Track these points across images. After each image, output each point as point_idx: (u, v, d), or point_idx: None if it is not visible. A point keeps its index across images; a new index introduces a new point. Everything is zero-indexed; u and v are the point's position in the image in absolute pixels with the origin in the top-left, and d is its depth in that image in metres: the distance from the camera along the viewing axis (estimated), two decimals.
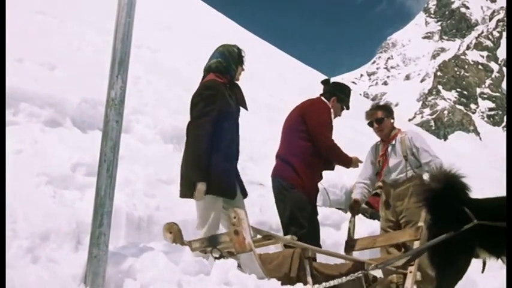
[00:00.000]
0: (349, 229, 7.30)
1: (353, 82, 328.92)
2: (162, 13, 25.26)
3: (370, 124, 7.38)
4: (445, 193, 5.48)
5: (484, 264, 5.51)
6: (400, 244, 7.00)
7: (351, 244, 7.04)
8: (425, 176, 6.65)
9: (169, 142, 9.21)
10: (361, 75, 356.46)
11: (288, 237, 5.54)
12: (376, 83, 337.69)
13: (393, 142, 7.24)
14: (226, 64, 5.97)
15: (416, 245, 6.44)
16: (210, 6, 37.59)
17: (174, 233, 5.17)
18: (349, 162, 6.87)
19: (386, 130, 7.31)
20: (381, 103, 7.70)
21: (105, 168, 3.01)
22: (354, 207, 7.35)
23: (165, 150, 8.86)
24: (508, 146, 6.45)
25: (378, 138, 7.50)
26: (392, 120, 7.37)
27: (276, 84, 23.78)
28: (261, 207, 8.09)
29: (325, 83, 7.18)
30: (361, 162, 6.99)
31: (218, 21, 33.24)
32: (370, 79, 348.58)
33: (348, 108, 7.14)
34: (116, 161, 3.03)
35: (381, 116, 7.31)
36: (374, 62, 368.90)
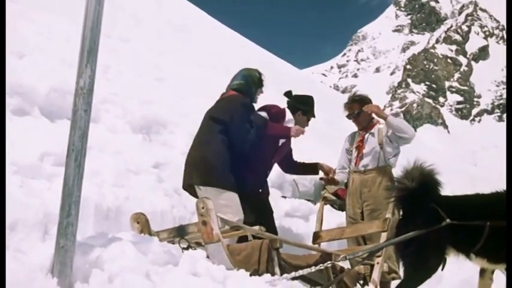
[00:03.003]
0: (318, 220, 7.33)
1: (323, 74, 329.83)
2: (133, 2, 25.08)
3: (348, 117, 7.43)
4: (419, 192, 5.49)
5: (445, 261, 5.56)
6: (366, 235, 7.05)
7: (319, 235, 7.08)
8: (396, 170, 6.69)
9: (139, 132, 9.16)
10: (332, 67, 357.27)
11: (256, 227, 5.55)
12: (346, 76, 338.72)
13: (372, 130, 7.35)
14: (247, 87, 6.77)
15: (383, 236, 6.49)
16: None
17: (142, 223, 5.16)
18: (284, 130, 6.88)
19: (365, 122, 7.40)
20: (357, 94, 7.68)
21: (73, 158, 2.99)
22: (328, 198, 7.44)
23: (135, 140, 8.81)
24: (508, 146, 6.50)
25: (353, 130, 7.55)
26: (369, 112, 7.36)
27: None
28: None
29: (287, 95, 7.28)
30: (302, 133, 6.82)
31: (189, 12, 33.08)
32: (340, 71, 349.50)
33: (313, 116, 7.23)
34: (84, 150, 3.01)
35: (357, 110, 7.36)
36: (344, 54, 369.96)
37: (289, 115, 6.98)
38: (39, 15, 14.59)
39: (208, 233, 4.69)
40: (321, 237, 7.05)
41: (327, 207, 7.66)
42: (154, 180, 7.56)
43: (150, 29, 22.14)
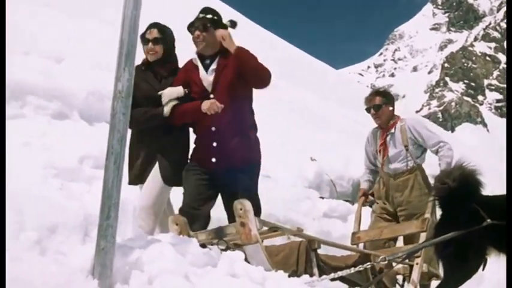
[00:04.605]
0: (356, 220, 7.28)
1: (360, 74, 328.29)
2: (169, 5, 25.24)
3: (368, 110, 7.18)
4: (460, 192, 5.41)
5: (485, 262, 5.48)
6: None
7: (357, 236, 7.02)
8: (436, 168, 6.59)
9: None
10: (368, 67, 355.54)
11: (295, 228, 5.54)
12: (383, 75, 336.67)
13: (392, 130, 7.04)
14: None
15: (422, 236, 6.42)
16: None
17: (180, 225, 5.18)
18: None
19: (384, 117, 7.07)
20: (381, 89, 7.53)
21: (112, 161, 3.02)
22: (361, 198, 7.32)
23: None
24: (508, 146, 6.38)
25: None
26: (391, 108, 7.14)
27: (281, 76, 23.72)
28: (267, 199, 8.09)
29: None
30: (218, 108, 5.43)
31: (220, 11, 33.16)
32: (377, 71, 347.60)
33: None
34: (123, 153, 3.04)
35: (378, 102, 7.10)
36: (381, 53, 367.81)
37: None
38: (74, 20, 14.78)
39: (247, 234, 4.70)
40: (360, 238, 6.98)
41: (365, 207, 7.58)
42: None
43: (186, 32, 22.25)
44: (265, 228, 5.23)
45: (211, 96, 5.36)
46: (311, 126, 15.41)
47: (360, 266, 5.19)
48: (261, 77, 5.46)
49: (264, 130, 12.20)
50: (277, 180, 7.93)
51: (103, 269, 3.15)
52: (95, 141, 6.67)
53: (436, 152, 6.88)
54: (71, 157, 6.47)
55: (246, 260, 4.54)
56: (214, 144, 5.40)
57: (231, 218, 5.12)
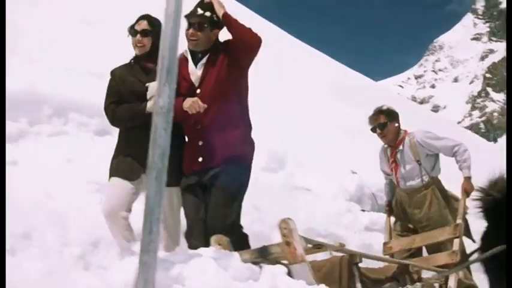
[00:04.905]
0: (386, 231, 7.21)
1: (400, 86, 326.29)
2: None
3: (373, 130, 7.01)
4: (505, 203, 5.32)
5: None
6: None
7: (389, 246, 6.95)
8: (480, 183, 6.48)
9: None
10: (408, 78, 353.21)
11: (337, 244, 5.51)
12: (424, 86, 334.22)
13: (401, 147, 6.90)
14: None
15: (455, 242, 6.33)
16: (256, 13, 37.73)
17: (223, 245, 5.17)
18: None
19: (391, 135, 6.90)
20: (384, 107, 7.35)
21: (154, 176, 3.03)
22: (387, 209, 7.25)
23: None
24: (508, 146, 6.21)
25: None
26: (396, 124, 6.98)
27: (321, 90, 23.74)
28: (308, 213, 8.07)
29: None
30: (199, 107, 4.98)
31: (261, 25, 33.27)
32: (417, 82, 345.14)
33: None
34: (164, 168, 3.06)
35: (383, 120, 6.93)
36: (421, 64, 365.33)
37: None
38: (118, 35, 14.97)
39: (292, 253, 4.66)
40: (391, 248, 6.91)
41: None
42: None
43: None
44: (309, 245, 5.21)
45: (198, 91, 5.02)
46: (351, 139, 15.36)
47: (401, 278, 5.15)
48: (248, 40, 4.96)
49: (304, 143, 12.19)
50: (318, 193, 7.91)
51: (145, 284, 3.16)
52: None
53: (454, 157, 6.79)
54: None
55: (288, 274, 4.53)
56: (200, 142, 5.03)
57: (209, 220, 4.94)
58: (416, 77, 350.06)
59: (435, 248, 6.78)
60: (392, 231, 7.17)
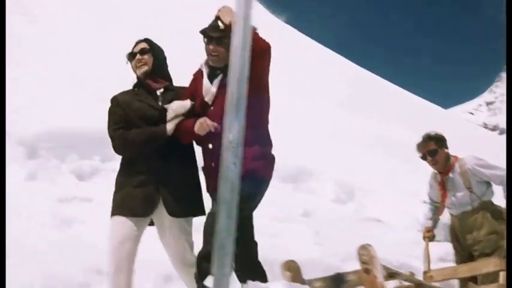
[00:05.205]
0: (425, 259, 6.99)
1: (470, 113, 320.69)
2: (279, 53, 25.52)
3: (423, 157, 6.79)
4: None
5: None
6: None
7: (429, 275, 6.74)
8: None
9: (286, 181, 9.26)
10: (480, 105, 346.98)
11: (408, 273, 5.42)
12: (495, 113, 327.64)
13: (451, 174, 6.66)
14: None
15: (502, 276, 6.12)
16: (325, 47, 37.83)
17: (294, 271, 5.12)
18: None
19: (442, 162, 6.65)
20: (432, 133, 7.13)
21: (225, 211, 3.05)
22: (427, 236, 7.04)
23: (282, 189, 8.91)
24: (508, 147, 5.95)
25: None
26: (446, 150, 6.75)
27: (389, 118, 23.51)
28: (381, 243, 7.95)
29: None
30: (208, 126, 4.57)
31: (298, 40, 33.32)
32: (488, 109, 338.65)
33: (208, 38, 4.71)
34: (234, 203, 3.07)
35: (433, 147, 6.68)
36: (491, 90, 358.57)
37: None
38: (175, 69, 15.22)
39: (372, 281, 4.55)
40: (432, 277, 6.69)
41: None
42: (304, 228, 7.58)
43: (294, 78, 22.45)
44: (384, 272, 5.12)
45: (211, 109, 4.58)
46: (422, 169, 15.12)
47: None
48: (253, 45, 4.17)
49: (371, 173, 12.07)
50: (390, 224, 7.80)
51: None
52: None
53: (502, 186, 6.58)
54: None
55: None
56: (213, 164, 4.51)
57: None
58: (488, 104, 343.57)
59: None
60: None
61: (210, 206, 4.51)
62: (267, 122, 4.81)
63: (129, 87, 4.84)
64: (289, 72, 23.58)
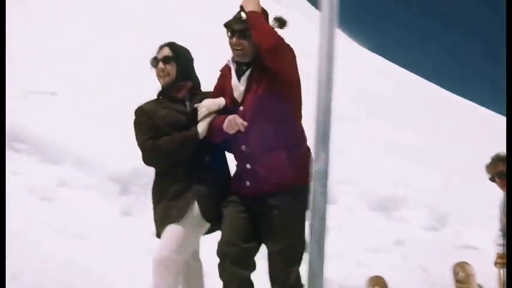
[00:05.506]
0: (499, 285, 6.69)
1: None
2: (365, 81, 25.45)
3: (492, 179, 6.54)
4: None
5: None
6: None
7: None
8: None
9: (377, 210, 9.17)
10: None
11: None
12: None
13: None
14: None
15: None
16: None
17: (380, 286, 5.04)
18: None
19: None
20: (501, 154, 6.79)
21: (315, 239, 3.06)
22: (499, 262, 6.72)
23: (373, 218, 8.84)
24: (508, 147, 5.59)
25: None
26: None
27: (472, 139, 22.92)
28: (476, 271, 7.77)
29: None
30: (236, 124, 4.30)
31: (417, 85, 32.93)
32: None
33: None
34: (323, 231, 3.08)
35: (502, 168, 6.40)
36: None
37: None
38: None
39: None
40: None
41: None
42: (397, 257, 7.48)
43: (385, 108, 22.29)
44: None
45: (241, 108, 4.30)
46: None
47: None
48: (265, 41, 4.14)
49: (462, 198, 11.79)
50: (483, 251, 7.58)
51: None
52: None
53: None
54: None
55: None
56: (248, 166, 4.31)
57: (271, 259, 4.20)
58: None
59: None
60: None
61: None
62: (299, 118, 4.43)
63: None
64: (375, 98, 23.46)
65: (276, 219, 4.18)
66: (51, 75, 11.84)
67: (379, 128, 18.10)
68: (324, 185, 3.03)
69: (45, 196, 7.45)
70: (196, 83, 4.61)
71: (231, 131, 4.20)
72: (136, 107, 4.50)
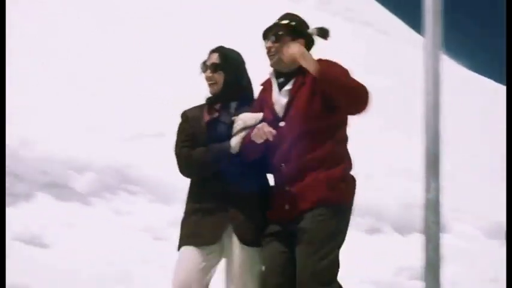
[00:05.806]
0: None
1: None
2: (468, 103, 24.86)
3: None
4: None
5: None
6: None
7: None
8: None
9: (494, 238, 8.89)
10: None
11: None
12: None
13: None
14: None
15: None
16: None
17: None
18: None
19: None
20: None
21: (431, 272, 3.01)
22: None
23: (490, 246, 8.58)
24: (508, 147, 5.13)
25: None
26: None
27: None
28: None
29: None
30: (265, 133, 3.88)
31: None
32: None
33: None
34: (438, 263, 3.02)
35: None
36: None
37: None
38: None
39: None
40: None
41: None
42: None
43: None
44: None
45: (282, 124, 3.93)
46: None
47: None
48: (352, 99, 3.86)
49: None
50: None
51: None
52: (409, 252, 6.69)
53: None
54: (387, 269, 6.55)
55: None
56: (287, 187, 3.94)
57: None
58: None
59: None
60: None
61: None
62: (343, 139, 4.05)
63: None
64: (483, 120, 22.87)
65: (308, 239, 3.80)
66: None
67: (490, 153, 17.62)
68: (437, 213, 2.98)
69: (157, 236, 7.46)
70: (247, 89, 4.30)
71: (259, 140, 3.82)
72: (182, 112, 4.28)
